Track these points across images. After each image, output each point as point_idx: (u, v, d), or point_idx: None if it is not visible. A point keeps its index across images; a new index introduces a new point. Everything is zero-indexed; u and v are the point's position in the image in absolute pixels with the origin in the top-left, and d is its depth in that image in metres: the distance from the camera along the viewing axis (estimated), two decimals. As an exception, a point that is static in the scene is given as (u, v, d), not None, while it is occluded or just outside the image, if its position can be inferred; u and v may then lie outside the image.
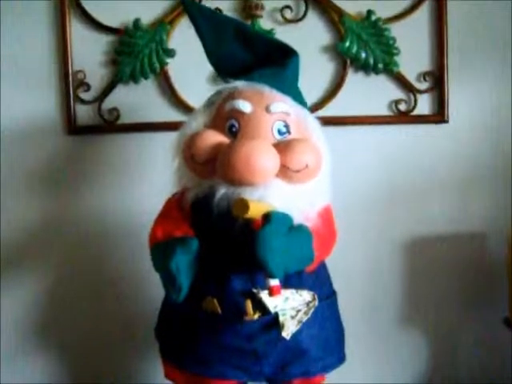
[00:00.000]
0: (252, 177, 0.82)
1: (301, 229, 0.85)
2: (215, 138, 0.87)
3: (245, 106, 0.88)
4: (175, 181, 0.96)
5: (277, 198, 0.84)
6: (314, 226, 0.87)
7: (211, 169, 0.86)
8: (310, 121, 0.92)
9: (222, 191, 0.85)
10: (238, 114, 0.88)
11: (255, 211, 0.79)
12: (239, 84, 0.90)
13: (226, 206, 0.84)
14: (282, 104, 0.89)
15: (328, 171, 0.91)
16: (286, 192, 0.85)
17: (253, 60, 0.93)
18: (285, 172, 0.85)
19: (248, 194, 0.83)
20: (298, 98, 0.92)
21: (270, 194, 0.84)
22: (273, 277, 0.80)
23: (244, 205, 0.78)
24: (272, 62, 0.91)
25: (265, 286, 0.84)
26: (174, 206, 0.96)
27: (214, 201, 0.85)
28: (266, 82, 0.89)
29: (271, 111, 0.88)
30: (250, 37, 0.94)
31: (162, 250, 0.88)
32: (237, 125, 0.88)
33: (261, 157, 0.82)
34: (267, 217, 0.79)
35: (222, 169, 0.84)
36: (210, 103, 0.94)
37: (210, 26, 0.94)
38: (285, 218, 0.82)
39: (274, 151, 0.84)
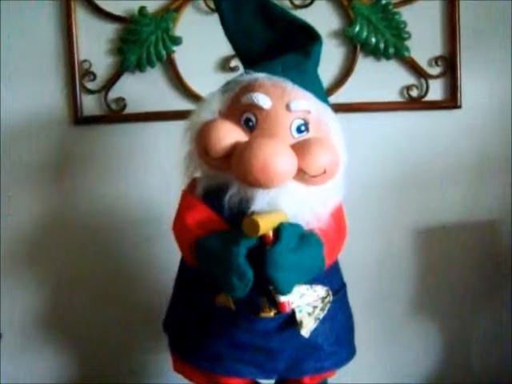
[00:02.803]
0: (268, 182, 0.78)
1: (311, 239, 0.83)
2: (231, 132, 0.83)
3: (264, 101, 0.83)
4: (184, 168, 0.92)
5: (290, 200, 0.82)
6: (324, 228, 0.85)
7: (225, 164, 0.82)
8: (330, 118, 0.88)
9: (234, 190, 0.82)
10: (256, 108, 0.83)
11: (266, 228, 0.78)
12: (260, 76, 0.85)
13: (237, 204, 0.82)
14: (303, 102, 0.84)
15: (344, 170, 0.88)
16: (299, 194, 0.82)
17: (273, 39, 0.88)
18: (301, 175, 0.81)
19: (261, 195, 0.81)
20: (319, 92, 0.88)
21: (283, 196, 0.81)
22: (282, 294, 0.81)
23: (254, 225, 0.76)
24: (294, 45, 0.86)
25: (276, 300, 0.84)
26: (194, 198, 0.90)
27: (225, 198, 0.83)
28: (288, 76, 0.84)
29: (291, 109, 0.83)
30: (272, 14, 0.88)
31: (217, 244, 0.82)
32: (254, 120, 0.84)
33: (279, 163, 0.77)
34: (277, 233, 0.78)
35: (237, 169, 0.79)
36: (226, 89, 0.88)
37: None
38: (295, 230, 0.81)
39: (293, 155, 0.79)
